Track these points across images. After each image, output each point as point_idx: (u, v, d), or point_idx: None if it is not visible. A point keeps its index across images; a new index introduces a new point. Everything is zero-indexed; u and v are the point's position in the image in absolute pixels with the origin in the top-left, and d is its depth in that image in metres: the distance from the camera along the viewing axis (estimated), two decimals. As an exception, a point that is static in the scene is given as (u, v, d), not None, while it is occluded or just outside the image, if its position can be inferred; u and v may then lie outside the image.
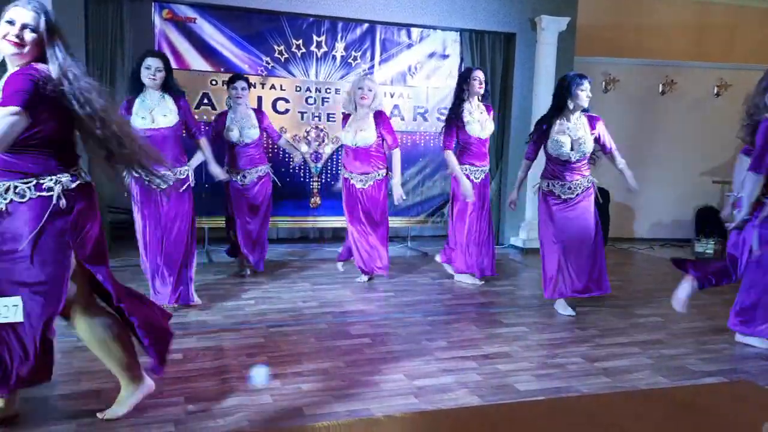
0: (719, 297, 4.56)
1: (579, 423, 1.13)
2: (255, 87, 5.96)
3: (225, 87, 5.97)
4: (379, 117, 4.69)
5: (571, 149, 4.04)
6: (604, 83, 7.29)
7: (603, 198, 6.79)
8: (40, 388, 2.74)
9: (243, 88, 4.78)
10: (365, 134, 4.65)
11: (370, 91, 4.62)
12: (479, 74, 4.76)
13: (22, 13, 2.22)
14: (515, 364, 3.27)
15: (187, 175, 4.00)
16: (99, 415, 2.51)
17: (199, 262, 5.27)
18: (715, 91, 7.41)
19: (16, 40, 2.21)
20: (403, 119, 6.46)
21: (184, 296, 3.98)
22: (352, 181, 4.78)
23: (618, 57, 7.33)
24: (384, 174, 4.80)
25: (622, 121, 7.34)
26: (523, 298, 4.53)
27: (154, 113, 3.86)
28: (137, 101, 3.88)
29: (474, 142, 4.78)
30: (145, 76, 3.84)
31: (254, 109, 4.98)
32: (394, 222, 6.62)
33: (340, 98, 6.09)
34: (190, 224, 4.02)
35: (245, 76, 5.05)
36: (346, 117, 4.83)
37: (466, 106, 4.75)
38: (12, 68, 2.25)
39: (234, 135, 4.76)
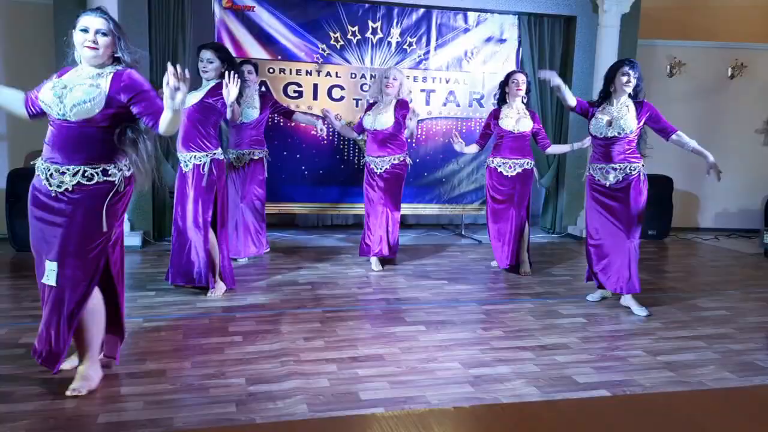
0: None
1: (654, 421, 1.10)
2: (311, 74, 6.01)
3: (280, 74, 6.07)
4: (400, 103, 4.83)
5: (609, 125, 3.90)
6: (669, 67, 7.02)
7: (666, 186, 6.62)
8: (109, 366, 2.86)
9: (249, 72, 4.94)
10: (383, 118, 4.80)
11: (395, 80, 4.79)
12: (519, 77, 4.86)
13: (94, 21, 2.53)
14: (574, 355, 3.21)
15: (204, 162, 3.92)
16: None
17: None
18: (789, 75, 7.03)
19: (94, 45, 2.52)
20: (458, 105, 6.39)
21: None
22: (371, 165, 4.92)
23: (684, 39, 7.03)
24: (402, 159, 4.89)
25: (687, 106, 7.06)
26: (581, 288, 4.43)
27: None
28: None
29: (506, 135, 4.83)
30: (200, 70, 3.98)
31: (261, 93, 5.14)
32: (448, 210, 6.59)
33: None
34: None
35: (253, 61, 5.29)
36: (370, 106, 4.98)
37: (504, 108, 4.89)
38: (88, 67, 2.57)
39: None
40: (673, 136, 3.95)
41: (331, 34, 6.01)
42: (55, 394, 2.58)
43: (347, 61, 6.09)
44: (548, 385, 2.83)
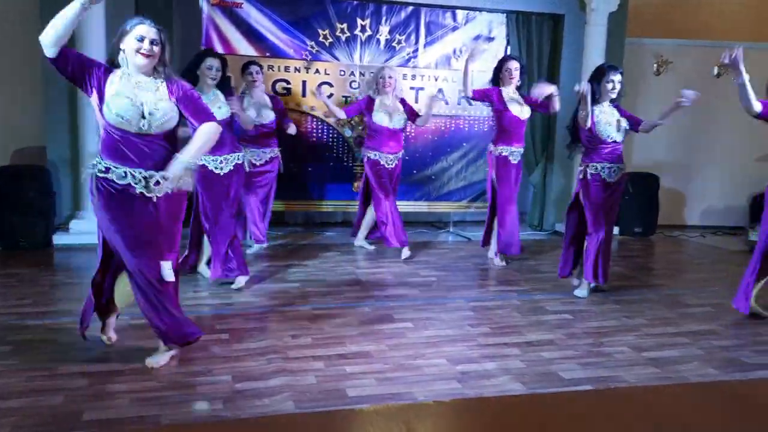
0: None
1: (635, 414, 1.11)
2: (299, 71, 6.00)
3: (268, 71, 6.01)
4: (405, 103, 5.27)
5: (617, 130, 4.14)
6: (656, 65, 7.06)
7: (652, 184, 6.67)
8: (96, 364, 2.86)
9: (257, 72, 4.99)
10: (401, 117, 5.17)
11: (391, 77, 5.10)
12: (513, 64, 4.96)
13: (150, 31, 2.70)
14: (560, 351, 3.24)
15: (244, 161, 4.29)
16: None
17: (248, 245, 5.38)
18: (775, 74, 7.08)
19: (149, 53, 2.69)
20: (447, 103, 6.39)
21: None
22: (381, 162, 5.15)
23: (672, 38, 7.08)
24: (402, 153, 5.35)
25: (674, 104, 7.09)
26: (568, 285, 4.46)
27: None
28: None
29: (516, 121, 4.95)
30: (207, 76, 4.04)
31: (269, 95, 5.23)
32: (437, 207, 6.61)
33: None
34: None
35: (258, 61, 5.25)
36: (369, 101, 5.16)
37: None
38: (136, 72, 2.71)
39: (252, 115, 4.81)
40: (642, 125, 4.24)
41: (320, 31, 5.99)
42: (40, 392, 2.57)
43: (336, 58, 6.09)
44: (534, 381, 2.85)
